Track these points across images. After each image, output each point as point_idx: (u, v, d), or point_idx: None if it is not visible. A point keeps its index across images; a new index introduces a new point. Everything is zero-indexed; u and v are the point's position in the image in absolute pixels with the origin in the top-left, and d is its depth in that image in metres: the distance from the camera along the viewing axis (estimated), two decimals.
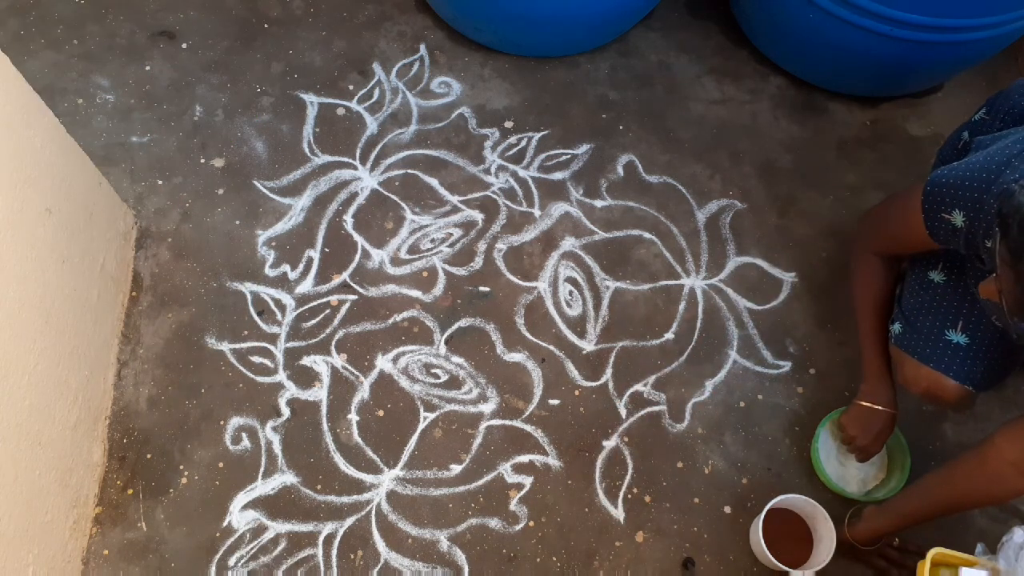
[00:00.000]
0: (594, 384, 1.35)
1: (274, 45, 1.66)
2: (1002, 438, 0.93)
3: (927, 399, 1.10)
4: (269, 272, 1.40)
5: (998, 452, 0.93)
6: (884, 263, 1.14)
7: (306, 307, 1.38)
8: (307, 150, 1.53)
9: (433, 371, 1.34)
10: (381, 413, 1.30)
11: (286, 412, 1.29)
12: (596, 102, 1.65)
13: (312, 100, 1.59)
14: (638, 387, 1.35)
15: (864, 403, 1.21)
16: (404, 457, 1.27)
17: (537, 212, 1.50)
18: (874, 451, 1.23)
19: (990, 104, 1.13)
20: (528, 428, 1.31)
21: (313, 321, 1.37)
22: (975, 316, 1.06)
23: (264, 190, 1.48)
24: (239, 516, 1.21)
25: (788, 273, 1.48)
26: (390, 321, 1.38)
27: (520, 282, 1.43)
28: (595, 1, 1.48)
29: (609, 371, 1.36)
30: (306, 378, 1.32)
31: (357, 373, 1.33)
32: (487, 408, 1.32)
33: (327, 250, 1.43)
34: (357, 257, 1.43)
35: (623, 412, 1.33)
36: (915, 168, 1.61)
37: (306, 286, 1.40)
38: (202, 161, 1.51)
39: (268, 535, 1.20)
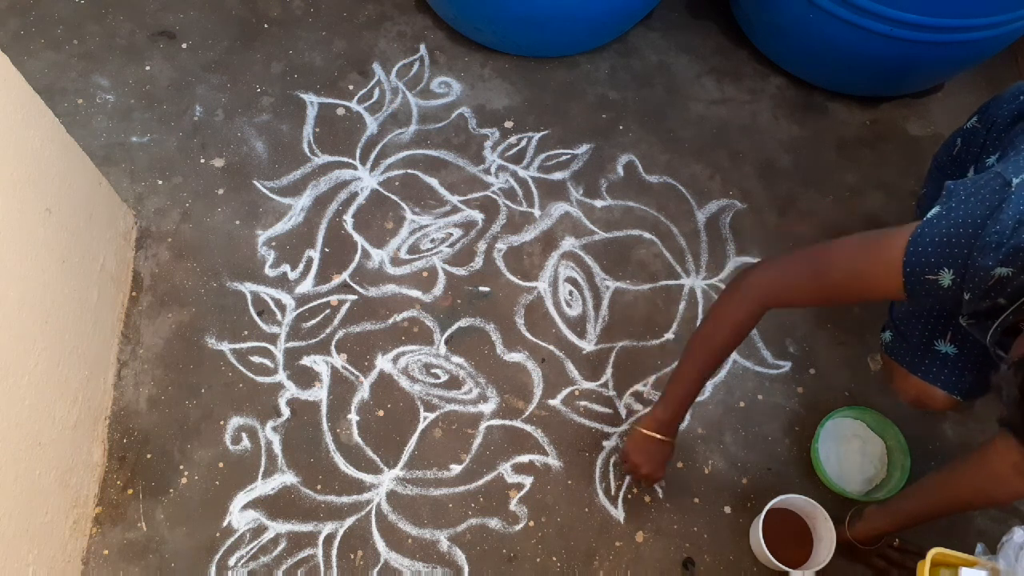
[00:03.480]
0: (594, 384, 1.35)
1: (274, 45, 1.66)
2: (1004, 440, 0.93)
3: (917, 407, 1.11)
4: (269, 272, 1.40)
5: (999, 454, 0.93)
6: (759, 317, 1.02)
7: (306, 307, 1.38)
8: (307, 150, 1.53)
9: (433, 371, 1.34)
10: (381, 413, 1.30)
11: (286, 412, 1.29)
12: (596, 102, 1.65)
13: (312, 100, 1.59)
14: (638, 387, 1.35)
15: (648, 432, 1.13)
16: (404, 457, 1.27)
17: (537, 212, 1.50)
18: (659, 477, 1.18)
19: (982, 112, 1.13)
20: (528, 428, 1.31)
21: (313, 321, 1.37)
22: (964, 327, 1.06)
23: (264, 190, 1.48)
24: (239, 516, 1.21)
25: None
26: (390, 321, 1.38)
27: (520, 282, 1.43)
28: (595, 1, 1.48)
29: (609, 371, 1.36)
30: (306, 378, 1.32)
31: (357, 373, 1.33)
32: (487, 408, 1.32)
33: (327, 250, 1.43)
34: (357, 257, 1.43)
35: (623, 412, 1.33)
36: (915, 168, 1.61)
37: (306, 286, 1.40)
38: (202, 161, 1.51)
39: (268, 535, 1.20)
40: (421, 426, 1.30)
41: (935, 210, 0.86)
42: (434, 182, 1.52)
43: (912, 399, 1.10)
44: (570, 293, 1.43)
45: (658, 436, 1.12)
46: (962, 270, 0.82)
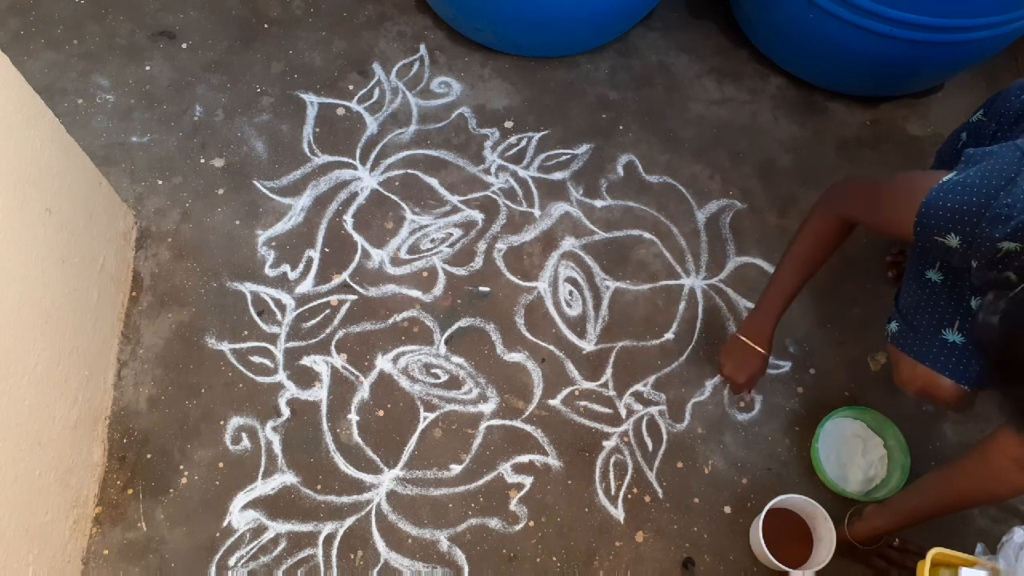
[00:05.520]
0: (594, 384, 1.35)
1: (274, 45, 1.66)
2: (1005, 434, 0.93)
3: (923, 398, 1.10)
4: (269, 272, 1.40)
5: (1000, 448, 0.93)
6: (843, 229, 1.10)
7: (306, 307, 1.38)
8: (307, 150, 1.53)
9: (433, 371, 1.34)
10: (381, 413, 1.30)
11: (286, 412, 1.29)
12: (596, 102, 1.65)
13: (312, 100, 1.59)
14: (638, 387, 1.35)
15: (743, 338, 1.23)
16: (404, 457, 1.27)
17: (537, 212, 1.50)
18: (749, 387, 1.26)
19: (988, 105, 1.13)
20: (528, 428, 1.31)
21: (313, 321, 1.37)
22: (971, 315, 1.06)
23: (264, 190, 1.48)
24: (239, 516, 1.21)
25: None
26: (390, 321, 1.38)
27: (520, 282, 1.43)
28: (595, 1, 1.48)
29: (609, 371, 1.36)
30: (306, 378, 1.32)
31: (357, 373, 1.33)
32: (487, 408, 1.32)
33: (327, 250, 1.43)
34: (357, 257, 1.43)
35: (623, 412, 1.33)
36: (915, 168, 1.61)
37: (306, 286, 1.40)
38: (202, 161, 1.51)
39: (268, 535, 1.20)
40: (421, 426, 1.30)
41: (952, 175, 0.88)
42: (434, 182, 1.52)
43: (918, 390, 1.09)
44: (570, 293, 1.43)
45: (750, 343, 1.21)
46: (969, 238, 0.85)
